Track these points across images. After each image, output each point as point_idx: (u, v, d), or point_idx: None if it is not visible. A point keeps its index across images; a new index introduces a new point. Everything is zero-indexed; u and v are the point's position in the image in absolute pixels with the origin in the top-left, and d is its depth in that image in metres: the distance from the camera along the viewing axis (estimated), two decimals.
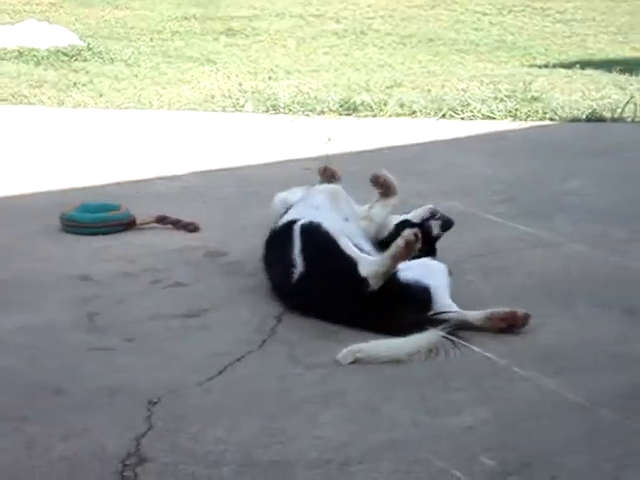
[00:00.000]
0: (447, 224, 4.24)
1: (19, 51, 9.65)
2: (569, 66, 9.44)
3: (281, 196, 4.41)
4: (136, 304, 4.03)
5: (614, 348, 3.58)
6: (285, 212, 4.17)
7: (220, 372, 3.43)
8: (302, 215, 4.03)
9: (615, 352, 3.55)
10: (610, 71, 8.98)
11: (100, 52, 9.78)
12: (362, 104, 7.43)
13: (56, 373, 3.44)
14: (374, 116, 7.33)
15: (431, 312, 3.76)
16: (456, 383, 3.34)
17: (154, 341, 3.70)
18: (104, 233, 4.81)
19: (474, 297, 4.05)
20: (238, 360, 3.51)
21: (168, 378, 3.39)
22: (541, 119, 7.26)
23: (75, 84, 8.36)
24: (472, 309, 3.90)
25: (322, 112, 7.37)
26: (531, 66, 9.66)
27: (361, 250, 3.90)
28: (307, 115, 7.36)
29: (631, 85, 8.32)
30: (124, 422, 3.09)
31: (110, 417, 3.13)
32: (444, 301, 3.82)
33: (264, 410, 3.17)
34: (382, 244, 4.06)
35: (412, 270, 3.87)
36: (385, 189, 4.28)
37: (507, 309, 3.74)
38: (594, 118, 7.22)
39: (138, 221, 4.91)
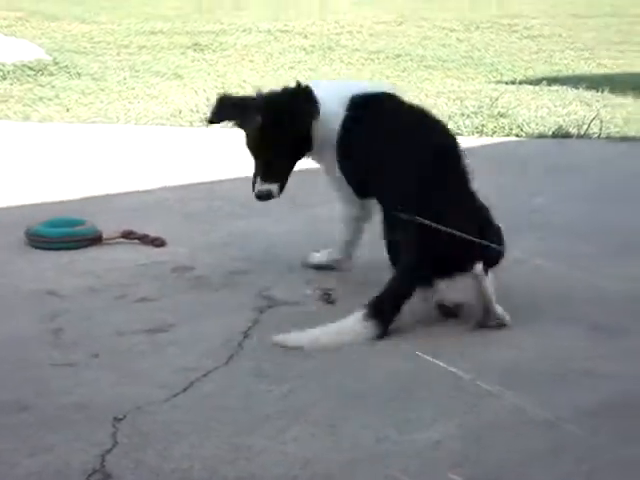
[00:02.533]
0: None
1: None
2: (536, 82, 9.51)
3: None
4: (102, 319, 4.02)
5: (579, 364, 3.61)
6: None
7: (186, 388, 3.42)
8: None
9: (580, 368, 3.58)
10: (576, 87, 9.06)
11: (66, 66, 9.75)
12: None
13: (21, 389, 3.42)
14: None
15: None
16: (421, 398, 3.36)
17: (120, 357, 3.69)
18: (70, 248, 4.80)
19: (438, 313, 4.07)
20: (204, 376, 3.51)
21: (134, 394, 3.38)
22: (507, 135, 7.31)
23: (41, 98, 8.34)
24: (437, 325, 3.93)
25: None
26: (498, 82, 9.72)
27: None
28: None
29: (597, 101, 8.39)
30: (89, 438, 3.08)
31: (76, 433, 3.12)
32: None
33: (230, 426, 3.17)
34: None
35: None
36: None
37: None
38: (560, 134, 7.28)
39: (104, 236, 4.90)
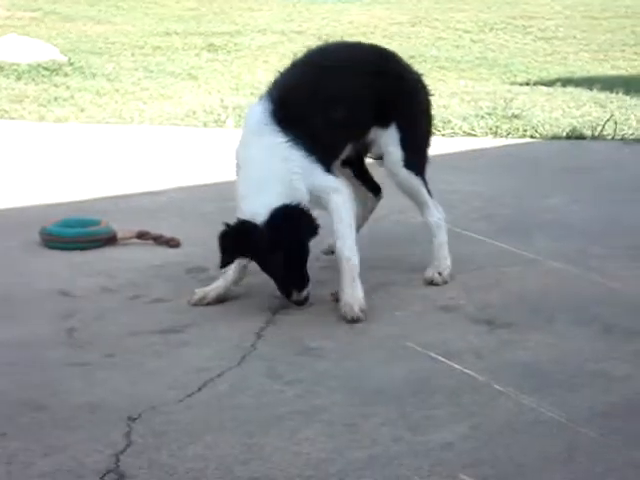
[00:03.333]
0: None
1: (0, 66, 9.64)
2: (550, 83, 9.50)
3: None
4: (116, 320, 4.04)
5: (593, 366, 3.61)
6: None
7: (200, 388, 3.43)
8: None
9: (594, 370, 3.58)
10: (591, 89, 9.04)
11: (81, 67, 9.78)
12: None
13: (36, 389, 3.44)
14: None
15: None
16: (436, 399, 3.36)
17: (134, 357, 3.70)
18: (84, 248, 4.81)
19: (454, 315, 4.07)
20: (218, 376, 3.52)
21: (148, 394, 3.39)
22: (522, 136, 7.30)
23: (56, 99, 8.37)
24: (452, 326, 3.94)
25: None
26: (512, 83, 9.71)
27: None
28: None
29: (611, 103, 8.38)
30: (104, 438, 3.09)
31: (90, 433, 3.13)
32: None
33: (244, 426, 3.18)
34: None
35: None
36: None
37: None
38: (574, 136, 7.27)
39: (119, 236, 4.91)
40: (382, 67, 4.38)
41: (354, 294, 4.03)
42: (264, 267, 4.12)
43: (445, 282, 4.38)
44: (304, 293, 4.09)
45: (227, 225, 4.08)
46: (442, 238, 4.46)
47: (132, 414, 3.23)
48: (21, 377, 3.53)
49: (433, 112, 4.57)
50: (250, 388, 3.44)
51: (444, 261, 4.44)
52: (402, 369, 3.59)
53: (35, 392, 3.40)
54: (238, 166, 4.15)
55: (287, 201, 4.00)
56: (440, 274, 4.40)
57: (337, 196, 4.11)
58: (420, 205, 4.46)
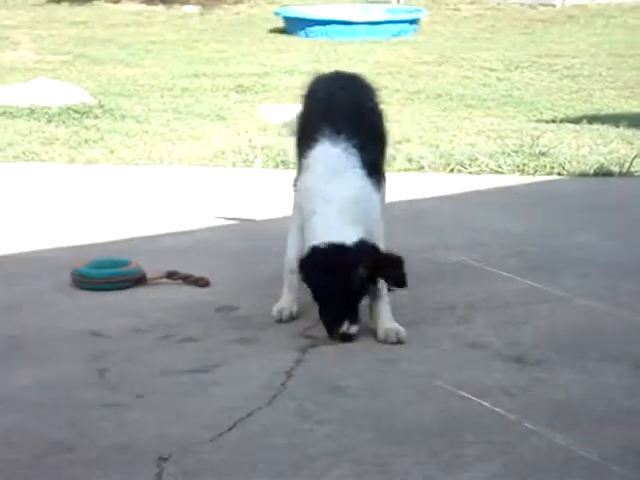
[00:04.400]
0: None
1: (31, 109, 9.71)
2: (576, 121, 9.49)
3: None
4: (147, 360, 4.05)
5: (624, 403, 3.59)
6: None
7: (230, 428, 3.44)
8: None
9: (625, 407, 3.56)
10: (617, 126, 9.02)
11: (111, 109, 9.85)
12: None
13: (67, 430, 3.45)
14: None
15: None
16: (466, 438, 3.35)
17: (164, 397, 3.71)
18: (115, 289, 4.84)
19: (483, 352, 4.07)
20: (248, 415, 3.52)
21: (179, 434, 3.40)
22: (549, 173, 7.29)
23: (86, 141, 8.42)
24: (481, 364, 3.93)
25: None
26: (538, 121, 9.71)
27: None
28: None
29: (638, 139, 8.35)
30: (135, 479, 3.10)
31: (121, 474, 3.14)
32: None
33: (275, 466, 3.18)
34: None
35: None
36: None
37: None
38: (602, 173, 7.24)
39: (149, 276, 4.93)
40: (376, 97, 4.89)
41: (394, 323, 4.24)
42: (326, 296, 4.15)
43: None
44: (354, 328, 4.16)
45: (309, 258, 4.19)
46: None
47: (163, 454, 3.24)
48: (51, 417, 3.55)
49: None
50: (281, 428, 3.44)
51: None
52: (432, 408, 3.58)
53: (65, 433, 3.42)
54: (314, 201, 4.32)
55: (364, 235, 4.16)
56: None
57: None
58: None
